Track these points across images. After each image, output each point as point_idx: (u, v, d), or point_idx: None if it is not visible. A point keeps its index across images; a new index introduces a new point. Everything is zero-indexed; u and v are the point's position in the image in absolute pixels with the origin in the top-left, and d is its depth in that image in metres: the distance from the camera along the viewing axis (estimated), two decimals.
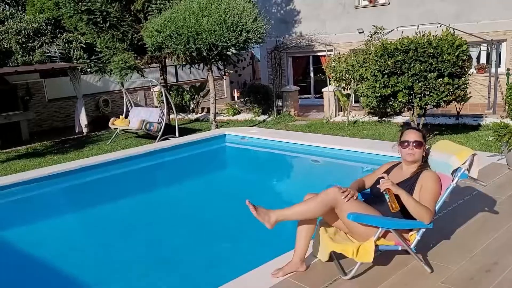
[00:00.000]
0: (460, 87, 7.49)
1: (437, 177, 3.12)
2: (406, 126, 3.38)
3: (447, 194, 3.13)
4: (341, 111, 12.25)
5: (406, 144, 3.19)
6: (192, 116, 14.56)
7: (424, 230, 3.11)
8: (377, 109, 11.19)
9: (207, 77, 11.72)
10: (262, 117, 13.00)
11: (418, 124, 8.02)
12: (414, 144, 3.16)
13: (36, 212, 6.55)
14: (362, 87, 9.68)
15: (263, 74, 17.20)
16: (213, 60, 10.77)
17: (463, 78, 7.61)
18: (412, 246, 3.12)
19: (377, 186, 3.03)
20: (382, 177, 3.10)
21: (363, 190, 3.46)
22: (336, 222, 3.20)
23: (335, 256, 3.31)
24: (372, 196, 3.36)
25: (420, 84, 7.40)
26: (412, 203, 2.96)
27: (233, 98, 19.13)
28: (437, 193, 3.06)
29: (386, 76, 7.74)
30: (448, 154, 3.23)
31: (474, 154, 3.14)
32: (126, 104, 12.00)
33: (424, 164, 3.28)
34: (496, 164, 5.77)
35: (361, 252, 2.94)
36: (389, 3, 13.94)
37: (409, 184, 3.14)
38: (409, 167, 3.25)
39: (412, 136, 3.20)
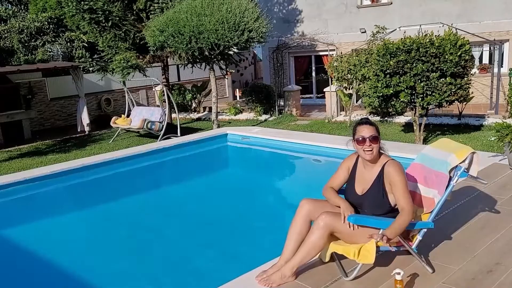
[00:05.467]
0: (462, 87, 7.48)
1: (399, 166, 3.06)
2: (359, 120, 3.27)
3: (448, 193, 3.12)
4: (343, 110, 12.23)
5: (361, 139, 3.05)
6: (194, 116, 14.56)
7: (425, 230, 3.11)
8: (379, 109, 11.18)
9: (209, 77, 11.72)
10: (264, 117, 12.99)
11: (420, 124, 8.00)
12: (371, 139, 3.03)
13: (37, 211, 6.57)
14: (364, 87, 9.67)
15: (265, 73, 17.19)
16: (215, 60, 10.77)
17: (465, 78, 7.60)
18: (413, 246, 3.11)
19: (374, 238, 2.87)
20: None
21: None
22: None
23: (336, 257, 3.31)
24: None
25: (422, 84, 7.38)
26: (398, 229, 2.90)
27: (235, 97, 19.13)
28: (405, 181, 3.01)
29: (388, 76, 7.73)
30: (447, 153, 3.22)
31: (473, 152, 3.13)
32: (128, 103, 12.01)
33: (381, 157, 3.15)
34: (498, 164, 5.76)
35: (363, 253, 2.93)
36: (391, 3, 13.91)
37: (378, 186, 3.09)
38: (371, 166, 3.15)
39: (367, 131, 3.06)
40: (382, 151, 3.18)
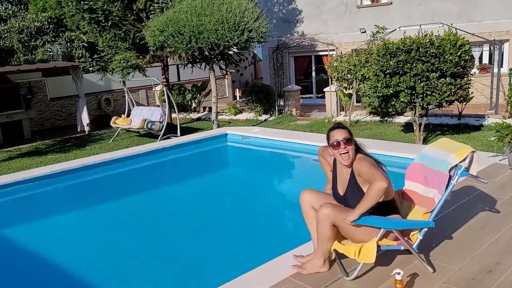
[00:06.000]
0: (462, 87, 7.48)
1: (364, 158, 3.06)
2: (331, 127, 3.31)
3: (448, 193, 3.12)
4: (343, 111, 12.23)
5: (336, 144, 3.09)
6: (194, 115, 14.56)
7: (426, 229, 3.11)
8: (379, 109, 11.19)
9: (209, 77, 11.72)
10: (263, 117, 12.99)
11: (420, 124, 8.00)
12: (345, 141, 3.06)
13: (37, 211, 6.56)
14: (364, 87, 9.67)
15: (265, 73, 17.20)
16: (215, 60, 10.76)
17: (465, 78, 7.60)
18: (414, 246, 3.11)
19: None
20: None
21: None
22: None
23: (337, 256, 3.30)
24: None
25: (422, 84, 7.38)
26: (369, 203, 2.88)
27: (234, 97, 19.13)
28: (370, 165, 2.97)
29: (388, 76, 7.73)
30: (447, 152, 3.22)
31: (473, 151, 3.13)
32: (128, 103, 12.01)
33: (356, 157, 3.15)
34: (498, 164, 5.76)
35: (363, 253, 2.93)
36: (391, 3, 13.91)
37: (352, 184, 3.12)
38: (345, 167, 3.18)
39: (339, 134, 3.10)
40: (361, 152, 3.17)
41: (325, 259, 3.21)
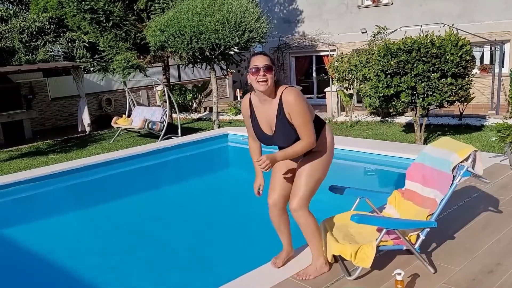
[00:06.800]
0: (463, 87, 7.47)
1: (295, 93, 2.90)
2: (254, 53, 3.20)
3: (450, 193, 3.11)
4: (344, 111, 12.23)
5: (255, 70, 2.89)
6: (195, 116, 14.56)
7: (428, 229, 3.11)
8: (379, 109, 11.18)
9: (210, 77, 11.73)
10: None
11: (421, 124, 7.99)
12: (264, 69, 2.89)
13: (38, 211, 6.57)
14: (365, 87, 9.67)
15: None
16: (215, 60, 10.77)
17: (466, 79, 7.59)
18: (416, 246, 3.11)
19: (260, 167, 3.03)
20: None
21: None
22: None
23: (339, 256, 3.30)
24: None
25: (423, 84, 7.38)
26: (294, 152, 2.94)
27: (235, 97, 19.11)
28: (305, 110, 2.89)
29: (389, 76, 7.73)
30: (449, 152, 3.21)
31: (475, 151, 3.12)
32: (129, 103, 12.01)
33: (279, 89, 2.98)
34: (499, 164, 5.76)
35: (360, 256, 2.92)
36: (392, 3, 13.91)
37: (281, 120, 2.96)
38: (270, 101, 2.99)
39: (260, 60, 2.93)
40: (280, 84, 3.03)
41: (324, 257, 3.19)
